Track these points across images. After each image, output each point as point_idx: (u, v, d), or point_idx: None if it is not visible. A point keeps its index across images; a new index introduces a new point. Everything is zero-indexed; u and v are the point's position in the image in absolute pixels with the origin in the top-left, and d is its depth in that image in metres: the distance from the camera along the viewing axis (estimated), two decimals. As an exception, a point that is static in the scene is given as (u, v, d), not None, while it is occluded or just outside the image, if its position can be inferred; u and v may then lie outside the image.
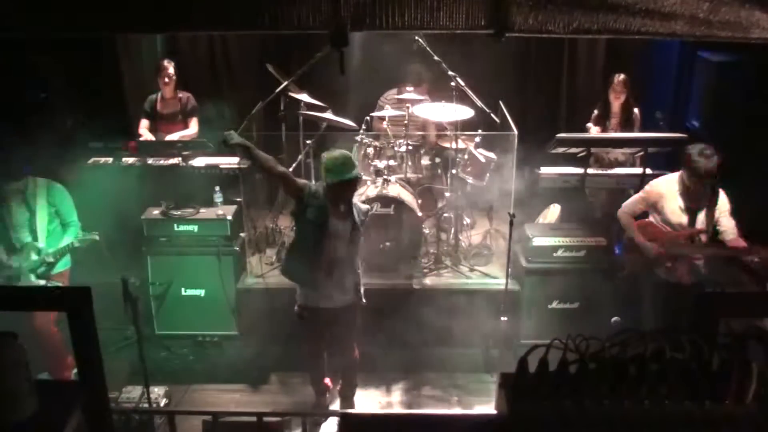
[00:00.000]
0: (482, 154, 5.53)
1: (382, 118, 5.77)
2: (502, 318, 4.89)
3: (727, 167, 4.08)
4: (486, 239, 5.90)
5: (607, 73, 5.91)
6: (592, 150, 5.26)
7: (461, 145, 5.53)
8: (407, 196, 5.29)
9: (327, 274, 3.97)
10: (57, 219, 4.53)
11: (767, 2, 1.74)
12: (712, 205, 4.16)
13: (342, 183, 3.81)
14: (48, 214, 4.45)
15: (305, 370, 4.62)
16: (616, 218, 4.59)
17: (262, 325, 5.08)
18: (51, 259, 4.44)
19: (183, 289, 5.23)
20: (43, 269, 4.44)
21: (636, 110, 5.71)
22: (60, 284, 4.50)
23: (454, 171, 5.54)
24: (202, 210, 5.24)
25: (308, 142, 5.54)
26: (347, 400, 4.54)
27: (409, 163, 5.59)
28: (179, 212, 5.18)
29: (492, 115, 5.34)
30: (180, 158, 5.51)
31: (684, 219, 4.24)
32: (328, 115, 5.50)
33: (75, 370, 2.01)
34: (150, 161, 5.57)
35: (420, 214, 5.35)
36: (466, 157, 5.57)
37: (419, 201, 5.54)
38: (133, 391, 4.36)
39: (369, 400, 4.74)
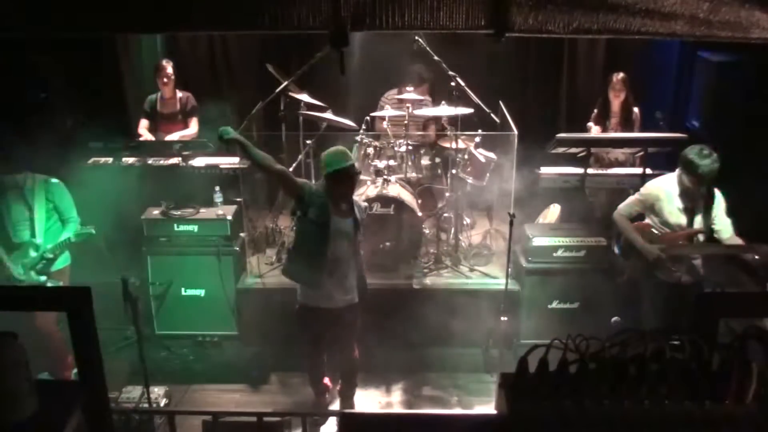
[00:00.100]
0: (482, 154, 5.53)
1: (382, 118, 5.78)
2: (502, 318, 4.89)
3: (727, 167, 4.07)
4: (486, 239, 5.90)
5: (607, 73, 5.91)
6: (592, 150, 5.27)
7: (461, 145, 5.53)
8: (407, 196, 5.29)
9: (329, 274, 3.96)
10: (56, 216, 4.51)
11: (767, 2, 1.74)
12: (709, 204, 4.16)
13: (339, 173, 3.79)
14: (47, 211, 4.44)
15: (305, 370, 4.62)
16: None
17: (262, 325, 5.09)
18: (50, 255, 4.43)
19: (183, 289, 5.24)
20: (41, 266, 4.43)
21: (636, 109, 5.71)
22: (60, 282, 4.50)
23: (454, 171, 5.54)
24: (202, 210, 5.25)
25: (308, 142, 5.55)
26: (347, 400, 4.53)
27: (409, 163, 5.59)
28: (179, 212, 5.18)
29: (492, 115, 5.35)
30: (180, 158, 5.51)
31: (683, 220, 4.23)
32: (328, 115, 5.50)
33: (75, 370, 2.01)
34: (150, 161, 5.57)
35: (420, 214, 5.35)
36: (466, 157, 5.58)
37: (419, 201, 5.54)
38: (133, 391, 4.36)
39: (369, 400, 4.74)
